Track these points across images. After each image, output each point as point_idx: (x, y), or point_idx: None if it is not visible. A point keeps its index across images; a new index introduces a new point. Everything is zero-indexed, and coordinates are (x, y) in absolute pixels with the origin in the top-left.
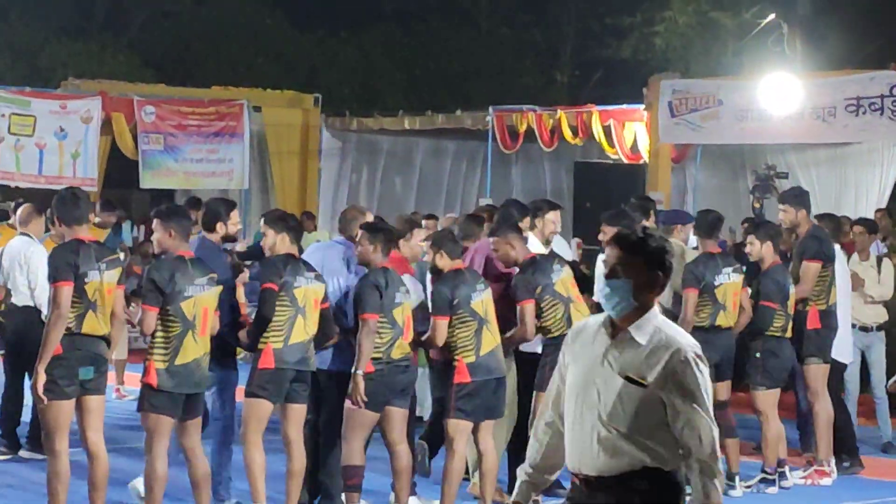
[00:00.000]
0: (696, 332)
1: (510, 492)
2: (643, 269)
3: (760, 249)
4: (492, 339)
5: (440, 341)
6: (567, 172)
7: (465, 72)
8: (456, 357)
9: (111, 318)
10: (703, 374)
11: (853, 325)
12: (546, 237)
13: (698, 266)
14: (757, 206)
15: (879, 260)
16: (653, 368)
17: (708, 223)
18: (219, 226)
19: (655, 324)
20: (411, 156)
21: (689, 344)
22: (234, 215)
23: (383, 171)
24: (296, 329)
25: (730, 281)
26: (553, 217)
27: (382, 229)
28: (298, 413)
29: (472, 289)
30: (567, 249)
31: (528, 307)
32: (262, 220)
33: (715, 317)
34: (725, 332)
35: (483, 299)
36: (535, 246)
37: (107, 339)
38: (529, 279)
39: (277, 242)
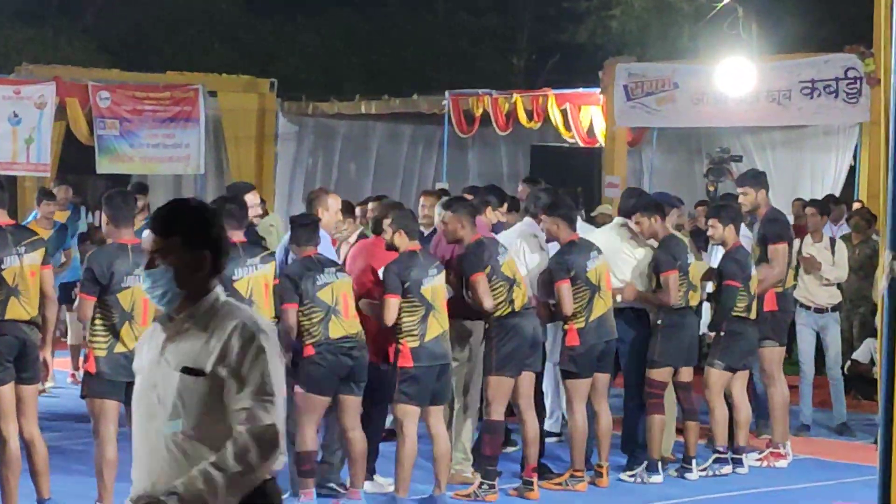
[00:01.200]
0: (674, 312)
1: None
2: (183, 250)
3: (723, 232)
4: (438, 325)
5: (389, 320)
6: (523, 156)
7: (422, 57)
8: (401, 341)
9: (44, 298)
10: (266, 352)
11: (808, 308)
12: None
13: (675, 249)
14: (711, 189)
15: (833, 242)
16: (211, 354)
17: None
18: None
19: (215, 306)
20: (368, 140)
21: (250, 320)
22: (251, 198)
23: (340, 156)
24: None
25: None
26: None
27: (306, 223)
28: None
29: (425, 273)
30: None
31: (480, 279)
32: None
33: (686, 297)
34: (694, 312)
35: (434, 285)
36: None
37: (36, 323)
38: (477, 256)
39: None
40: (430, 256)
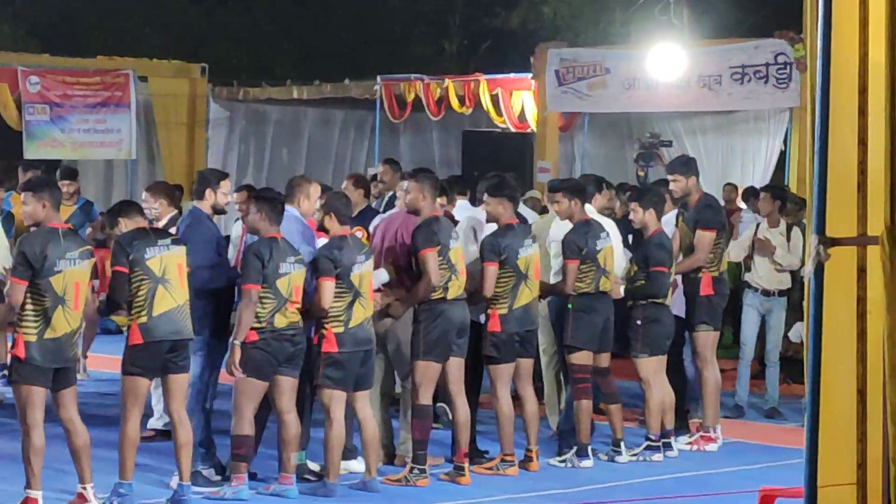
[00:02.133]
0: (582, 297)
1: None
2: None
3: (643, 217)
4: (363, 311)
5: (326, 303)
6: (455, 141)
7: (354, 42)
8: (325, 326)
9: None
10: None
11: (756, 289)
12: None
13: (578, 235)
14: (641, 174)
15: (790, 228)
16: None
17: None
18: (208, 193)
19: None
20: (300, 125)
21: None
22: (225, 185)
23: (272, 141)
24: (158, 300)
25: (608, 245)
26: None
27: (271, 198)
28: (181, 383)
29: (353, 259)
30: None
31: (430, 254)
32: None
33: (598, 282)
34: (608, 296)
35: (362, 271)
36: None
37: None
38: (432, 231)
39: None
40: (359, 242)
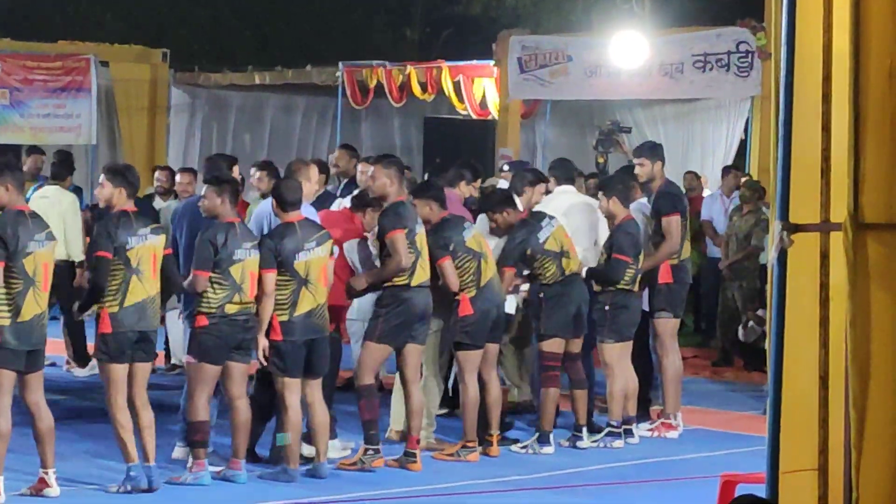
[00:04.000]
0: (553, 286)
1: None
2: None
3: (608, 205)
4: (312, 299)
5: (267, 293)
6: (417, 128)
7: (316, 28)
8: (272, 314)
9: None
10: None
11: None
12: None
13: (520, 233)
14: (601, 161)
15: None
16: None
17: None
18: None
19: None
20: (262, 112)
21: None
22: (235, 170)
23: (234, 127)
24: (131, 291)
25: (552, 230)
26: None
27: (229, 181)
28: (145, 372)
29: (300, 246)
30: None
31: (399, 236)
32: (102, 171)
33: (561, 268)
34: (579, 281)
35: (309, 259)
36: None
37: None
38: (399, 214)
39: (115, 196)
40: (312, 228)
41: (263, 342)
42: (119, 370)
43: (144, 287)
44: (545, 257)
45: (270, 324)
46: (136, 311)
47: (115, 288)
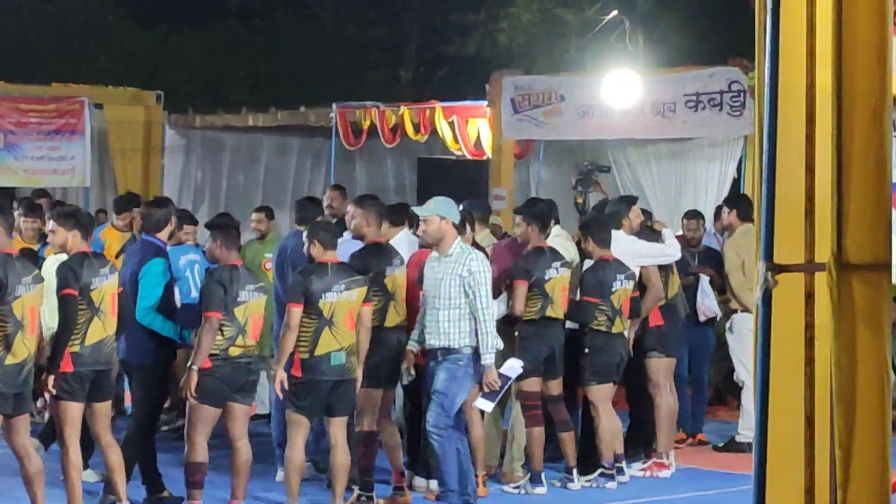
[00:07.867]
0: (527, 324)
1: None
2: None
3: (587, 245)
4: (334, 341)
5: (291, 327)
6: (410, 168)
7: (309, 69)
8: (294, 350)
9: None
10: None
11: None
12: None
13: (528, 260)
14: (580, 201)
15: None
16: None
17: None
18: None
19: None
20: (256, 153)
21: None
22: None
23: (228, 168)
24: (92, 330)
25: (558, 276)
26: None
27: (229, 226)
28: (105, 411)
29: (328, 287)
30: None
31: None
32: (51, 217)
33: (545, 309)
34: (556, 324)
35: (337, 300)
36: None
37: None
38: (364, 258)
39: (69, 240)
40: (345, 271)
41: (282, 374)
42: (76, 409)
43: (104, 327)
44: (539, 293)
45: (292, 360)
46: (94, 350)
47: (78, 328)
